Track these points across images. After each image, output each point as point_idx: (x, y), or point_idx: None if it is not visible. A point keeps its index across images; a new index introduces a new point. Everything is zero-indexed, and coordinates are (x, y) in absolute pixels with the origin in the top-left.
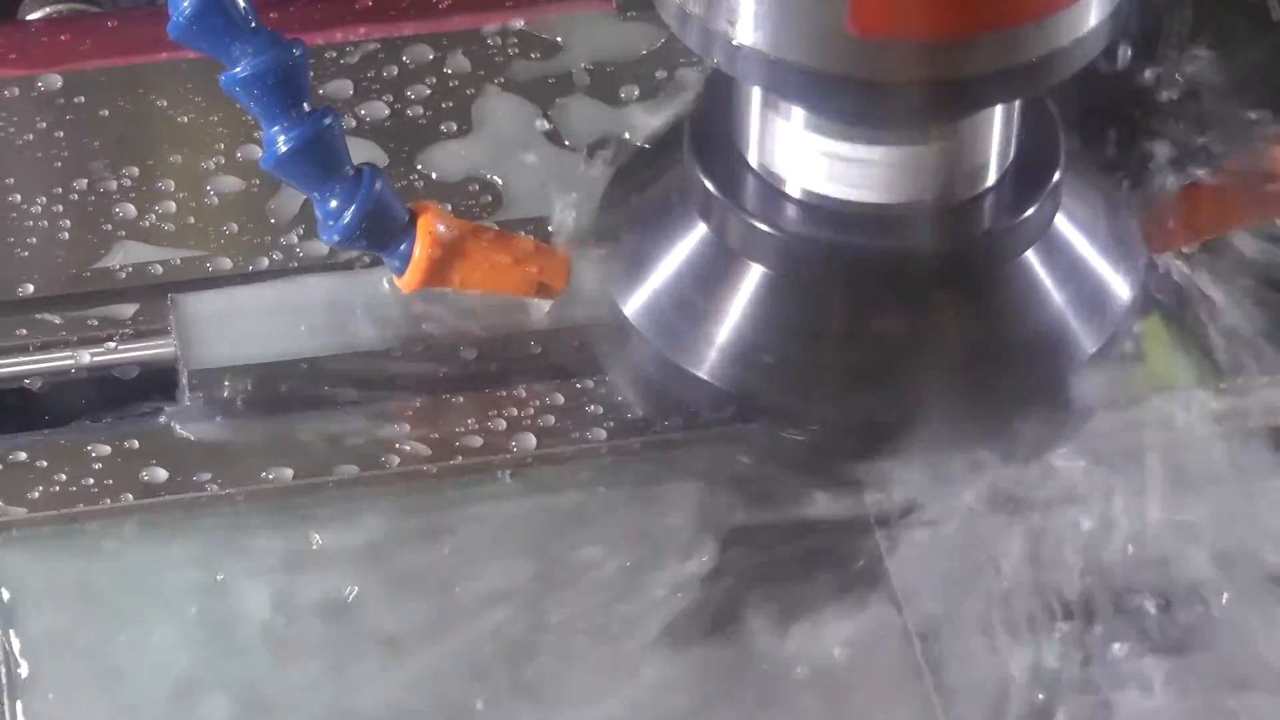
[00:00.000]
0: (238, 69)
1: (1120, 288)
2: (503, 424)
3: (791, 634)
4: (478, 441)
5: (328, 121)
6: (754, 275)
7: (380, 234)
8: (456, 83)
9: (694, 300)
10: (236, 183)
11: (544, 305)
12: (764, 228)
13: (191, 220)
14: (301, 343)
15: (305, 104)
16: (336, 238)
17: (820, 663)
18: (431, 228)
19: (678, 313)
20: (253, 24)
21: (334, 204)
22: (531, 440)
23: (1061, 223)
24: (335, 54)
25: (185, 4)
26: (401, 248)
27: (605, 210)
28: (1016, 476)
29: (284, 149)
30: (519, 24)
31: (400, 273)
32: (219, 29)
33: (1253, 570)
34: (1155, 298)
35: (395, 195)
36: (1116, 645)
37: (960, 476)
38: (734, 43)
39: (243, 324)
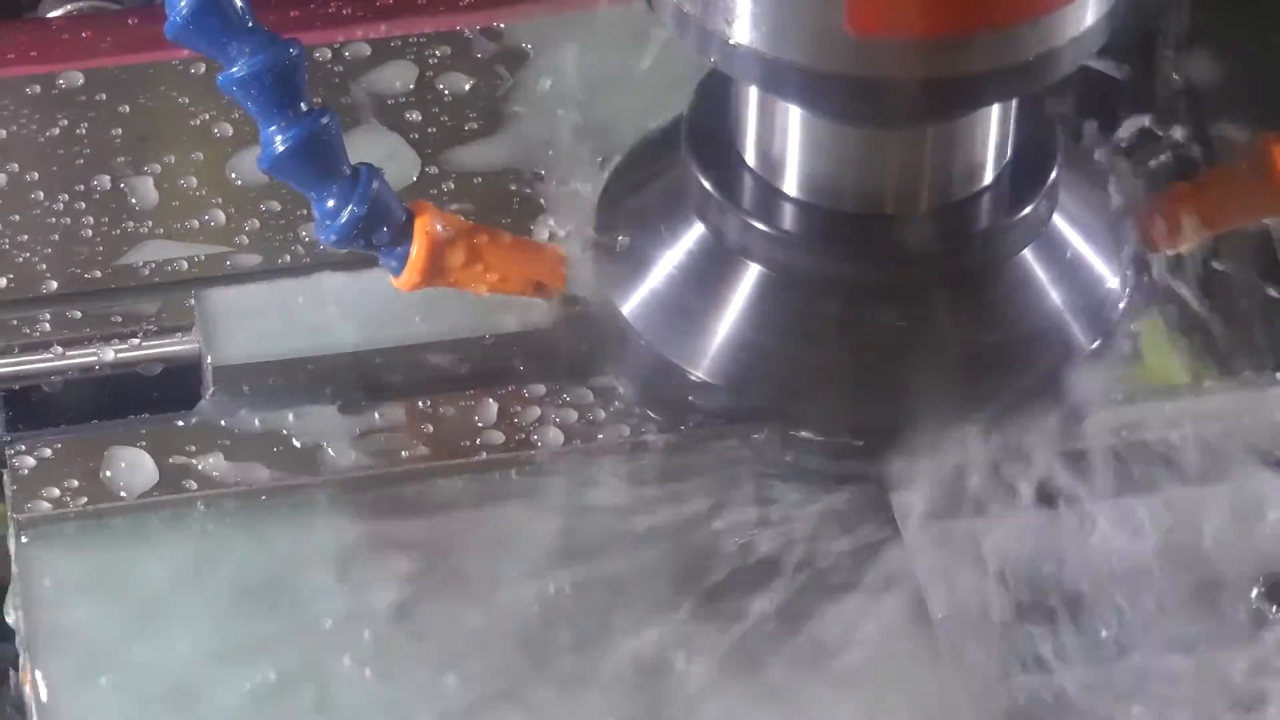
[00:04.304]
0: (235, 69)
1: (1117, 286)
2: (512, 422)
3: (801, 628)
4: (495, 439)
5: (325, 121)
6: (751, 274)
7: (378, 234)
8: (480, 79)
9: (691, 299)
10: (259, 178)
11: (542, 304)
12: (761, 227)
13: (214, 216)
14: (324, 338)
15: (302, 104)
16: (334, 237)
17: (840, 657)
18: (429, 227)
19: (675, 312)
20: (249, 24)
21: (331, 203)
22: (558, 436)
23: (1058, 221)
24: (354, 52)
25: (182, 4)
26: (399, 248)
27: (604, 209)
28: (1015, 474)
29: (281, 149)
30: (540, 19)
31: (397, 273)
32: (216, 29)
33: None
34: (1152, 296)
35: (393, 195)
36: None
37: (959, 474)
38: (731, 42)
39: (266, 320)
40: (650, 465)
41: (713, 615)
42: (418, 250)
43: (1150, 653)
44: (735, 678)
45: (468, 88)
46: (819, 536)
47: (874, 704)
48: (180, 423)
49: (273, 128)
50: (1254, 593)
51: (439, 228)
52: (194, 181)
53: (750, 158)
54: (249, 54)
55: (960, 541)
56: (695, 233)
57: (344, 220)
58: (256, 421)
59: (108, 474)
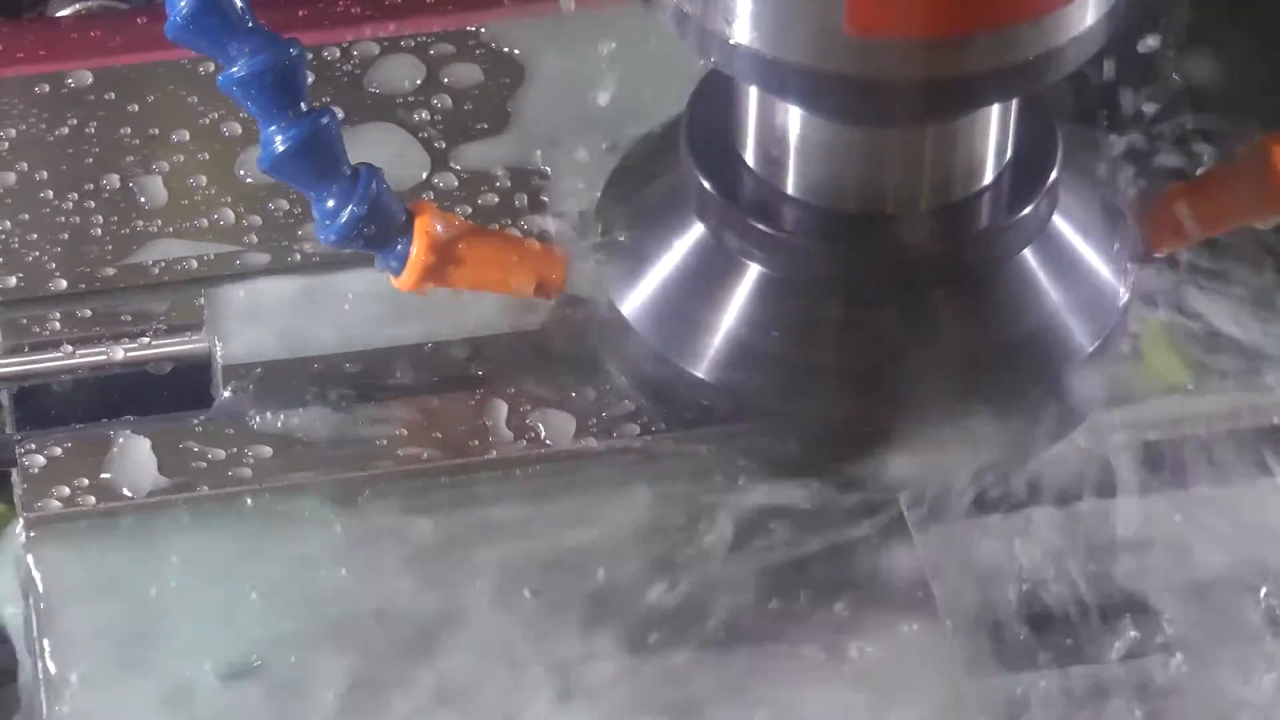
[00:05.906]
0: (235, 69)
1: (1117, 286)
2: (521, 422)
3: (807, 628)
4: (504, 438)
5: (325, 121)
6: (751, 275)
7: (378, 234)
8: (488, 77)
9: (691, 299)
10: (268, 177)
11: (542, 304)
12: (761, 227)
13: (223, 215)
14: (333, 337)
15: (302, 103)
16: (334, 238)
17: (845, 657)
18: (429, 228)
19: (675, 312)
20: (249, 24)
21: (331, 204)
22: (564, 436)
23: (1059, 221)
24: (362, 51)
25: (182, 4)
26: (399, 248)
27: (604, 210)
28: (1016, 474)
29: (281, 149)
30: (547, 18)
31: (397, 273)
32: (216, 29)
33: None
34: (1152, 297)
35: (393, 195)
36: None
37: (957, 473)
38: (731, 42)
39: (276, 318)
40: (652, 465)
41: (716, 614)
42: (417, 250)
43: (1151, 653)
44: (739, 677)
45: (476, 86)
46: (823, 537)
47: (879, 704)
48: (191, 421)
49: (273, 128)
50: (1261, 593)
51: (439, 228)
52: (203, 180)
53: (750, 158)
54: (249, 54)
55: (964, 541)
56: (695, 233)
57: (344, 220)
58: (266, 420)
59: (117, 473)
